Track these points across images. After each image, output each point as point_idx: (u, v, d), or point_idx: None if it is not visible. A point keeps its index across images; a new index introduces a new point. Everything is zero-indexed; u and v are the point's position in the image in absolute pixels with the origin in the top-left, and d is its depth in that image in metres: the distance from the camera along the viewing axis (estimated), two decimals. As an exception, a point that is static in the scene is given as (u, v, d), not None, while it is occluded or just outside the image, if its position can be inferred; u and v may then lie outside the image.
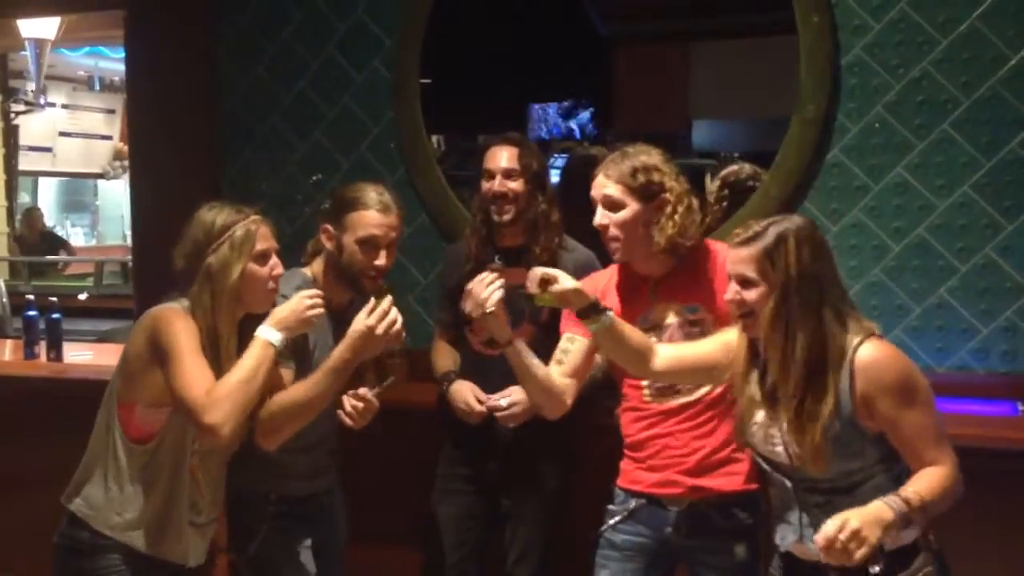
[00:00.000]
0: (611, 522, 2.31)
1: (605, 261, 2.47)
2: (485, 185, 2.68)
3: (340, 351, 2.16)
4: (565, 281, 2.02)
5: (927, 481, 1.81)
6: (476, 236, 2.75)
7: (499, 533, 2.78)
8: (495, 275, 2.12)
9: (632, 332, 2.10)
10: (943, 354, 2.88)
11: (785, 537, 1.96)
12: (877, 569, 1.76)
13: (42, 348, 3.58)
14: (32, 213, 8.69)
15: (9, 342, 4.10)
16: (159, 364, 2.06)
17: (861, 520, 1.70)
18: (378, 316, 2.14)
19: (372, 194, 2.38)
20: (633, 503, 2.28)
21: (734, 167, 3.28)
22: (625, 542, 2.28)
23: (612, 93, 5.19)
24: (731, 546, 2.21)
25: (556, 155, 5.39)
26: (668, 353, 2.12)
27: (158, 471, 2.15)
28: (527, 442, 2.63)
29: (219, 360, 2.10)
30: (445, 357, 2.83)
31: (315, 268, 2.47)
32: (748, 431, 1.98)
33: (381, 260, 2.37)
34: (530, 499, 2.72)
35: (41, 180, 10.42)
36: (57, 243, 8.83)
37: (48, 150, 9.47)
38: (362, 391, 2.34)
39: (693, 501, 2.22)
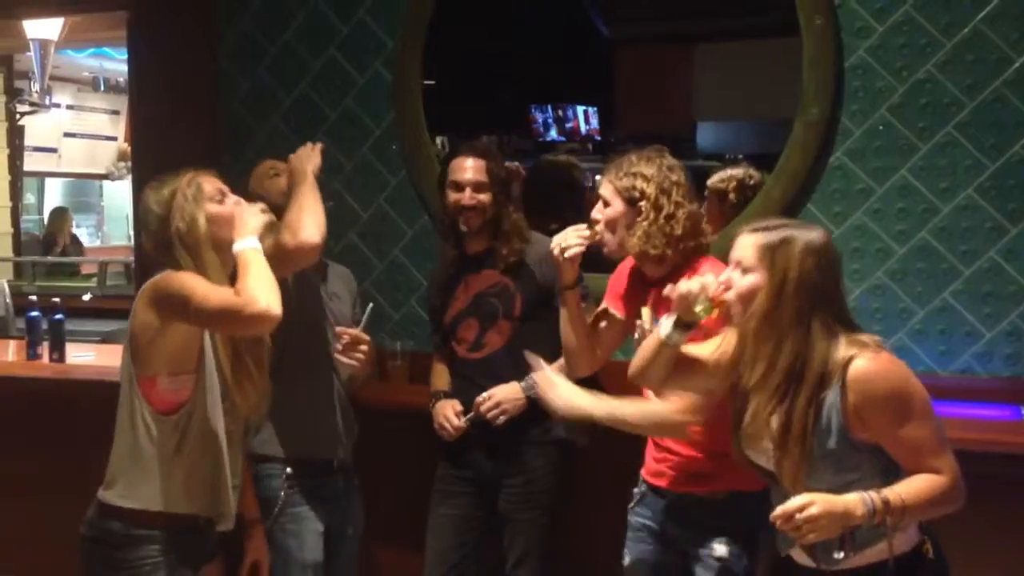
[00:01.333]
0: (630, 504, 2.42)
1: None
2: (453, 196, 2.70)
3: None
4: (692, 285, 1.98)
5: (915, 486, 1.80)
6: (448, 244, 2.80)
7: (498, 535, 2.78)
8: (586, 227, 2.30)
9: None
10: (946, 358, 2.87)
11: (782, 542, 1.96)
12: (841, 555, 1.78)
13: (45, 349, 3.58)
14: (64, 215, 8.65)
15: (12, 342, 4.09)
16: (178, 316, 2.06)
17: (825, 510, 1.72)
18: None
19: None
20: (644, 487, 2.38)
21: (744, 168, 3.26)
22: (637, 523, 2.39)
23: (615, 95, 5.19)
24: (711, 542, 2.23)
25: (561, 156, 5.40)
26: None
27: (196, 438, 2.16)
28: (518, 441, 2.67)
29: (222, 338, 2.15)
30: (439, 377, 2.89)
31: None
32: (740, 435, 1.97)
33: None
34: (527, 500, 2.72)
35: (47, 181, 10.43)
36: (79, 246, 8.83)
37: (53, 151, 9.48)
38: (350, 331, 2.59)
39: (680, 494, 2.28)
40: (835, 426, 1.82)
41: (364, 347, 2.61)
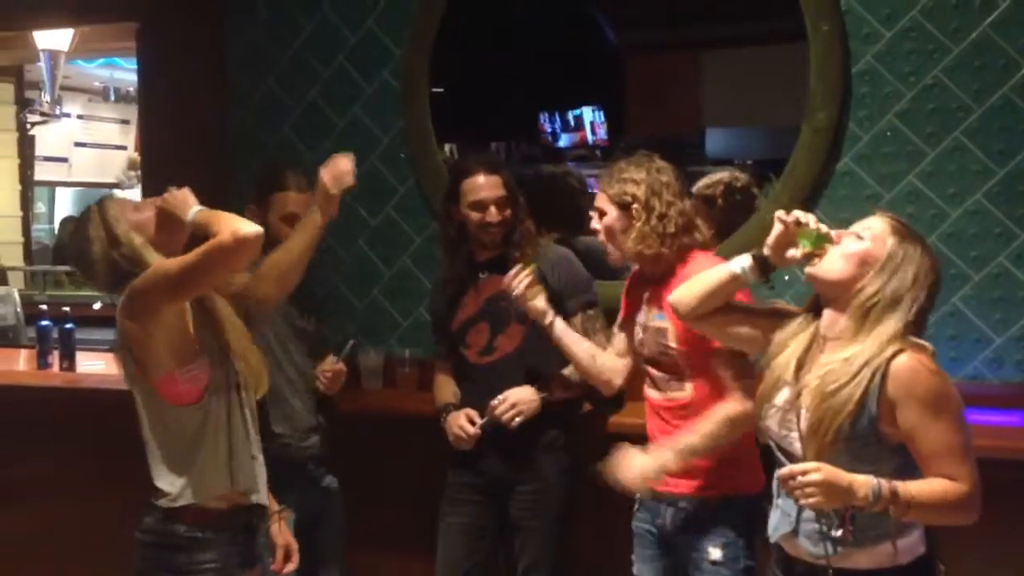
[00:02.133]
0: (633, 509, 2.46)
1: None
2: (476, 215, 2.69)
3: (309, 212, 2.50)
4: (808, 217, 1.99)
5: (929, 486, 1.80)
6: (454, 254, 2.79)
7: (508, 543, 2.78)
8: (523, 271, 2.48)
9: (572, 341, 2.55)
10: (956, 364, 2.86)
11: (779, 527, 1.95)
12: (839, 533, 1.80)
13: (55, 358, 3.60)
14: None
15: (23, 351, 4.12)
16: (166, 298, 2.06)
17: (828, 479, 1.73)
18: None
19: (291, 176, 2.77)
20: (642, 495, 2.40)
21: (732, 172, 3.28)
22: (639, 529, 2.43)
23: (624, 101, 5.19)
24: (706, 545, 2.27)
25: (569, 163, 5.41)
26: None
27: (216, 419, 2.17)
28: (531, 446, 2.66)
29: (207, 312, 2.17)
30: (444, 389, 2.88)
31: None
32: (766, 412, 1.96)
33: None
34: (538, 507, 2.72)
35: (57, 190, 10.48)
36: None
37: (64, 160, 9.52)
38: (329, 360, 2.82)
39: (675, 498, 2.32)
40: (867, 411, 1.82)
41: (339, 378, 2.85)
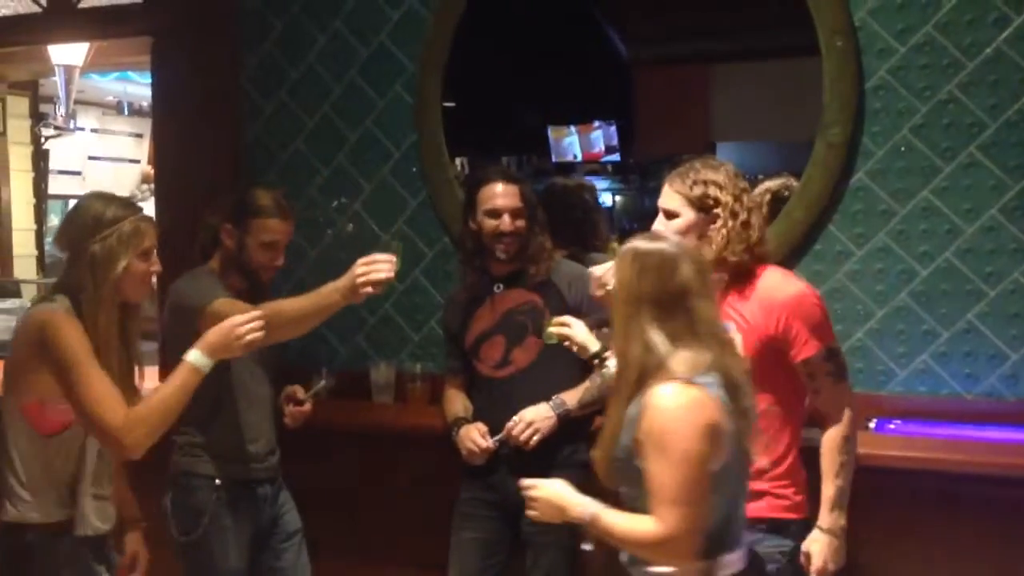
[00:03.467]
0: None
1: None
2: (490, 223, 2.70)
3: (332, 289, 2.42)
4: (577, 332, 2.36)
5: (623, 521, 1.87)
6: (470, 267, 2.79)
7: (520, 559, 2.76)
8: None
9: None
10: (972, 380, 2.84)
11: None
12: (587, 547, 1.99)
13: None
14: None
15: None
16: (53, 372, 2.10)
17: (547, 496, 1.97)
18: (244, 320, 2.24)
19: (272, 201, 2.71)
20: None
21: (783, 179, 3.16)
22: None
23: (634, 115, 5.20)
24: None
25: (581, 177, 5.40)
26: None
27: (66, 453, 2.19)
28: (545, 462, 2.64)
29: (102, 351, 2.15)
30: (455, 404, 2.88)
31: (213, 264, 2.75)
32: None
33: (280, 261, 2.73)
34: (550, 525, 2.70)
35: (71, 203, 10.54)
36: None
37: (78, 174, 9.57)
38: (297, 389, 2.82)
39: None
40: (625, 438, 1.87)
41: (303, 416, 2.83)
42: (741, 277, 2.24)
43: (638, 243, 1.96)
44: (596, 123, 5.65)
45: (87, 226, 2.17)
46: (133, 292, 2.23)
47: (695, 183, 2.23)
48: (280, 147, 3.65)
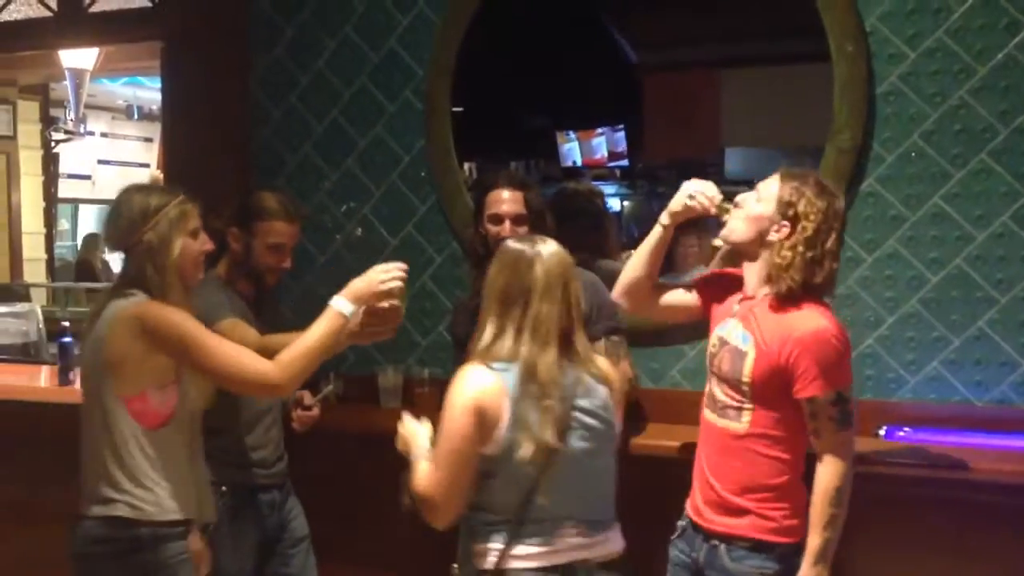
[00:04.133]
0: (672, 536, 2.38)
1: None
2: (493, 229, 2.70)
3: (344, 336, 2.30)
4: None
5: (419, 470, 2.08)
6: (479, 272, 2.78)
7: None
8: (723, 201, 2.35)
9: None
10: (983, 388, 2.82)
11: None
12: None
13: (77, 374, 3.61)
14: (98, 241, 8.76)
15: (45, 368, 4.13)
16: (173, 353, 2.16)
17: (407, 433, 2.18)
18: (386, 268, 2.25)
19: (277, 204, 2.73)
20: (686, 521, 2.34)
21: None
22: (675, 557, 2.35)
23: (643, 121, 5.18)
24: None
25: (589, 182, 5.39)
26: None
27: (179, 444, 2.25)
28: None
29: None
30: None
31: (220, 269, 2.77)
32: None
33: (287, 263, 2.75)
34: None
35: (80, 207, 10.58)
36: (110, 272, 8.93)
37: (87, 178, 9.62)
38: (305, 395, 2.81)
39: (708, 533, 2.24)
40: None
41: (311, 420, 2.84)
42: (783, 300, 2.16)
43: (511, 242, 2.15)
44: (599, 129, 5.64)
45: (135, 219, 2.22)
46: (190, 273, 2.29)
47: (796, 188, 2.15)
48: (290, 152, 3.66)
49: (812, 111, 3.21)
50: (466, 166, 3.74)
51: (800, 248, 2.12)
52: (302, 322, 3.53)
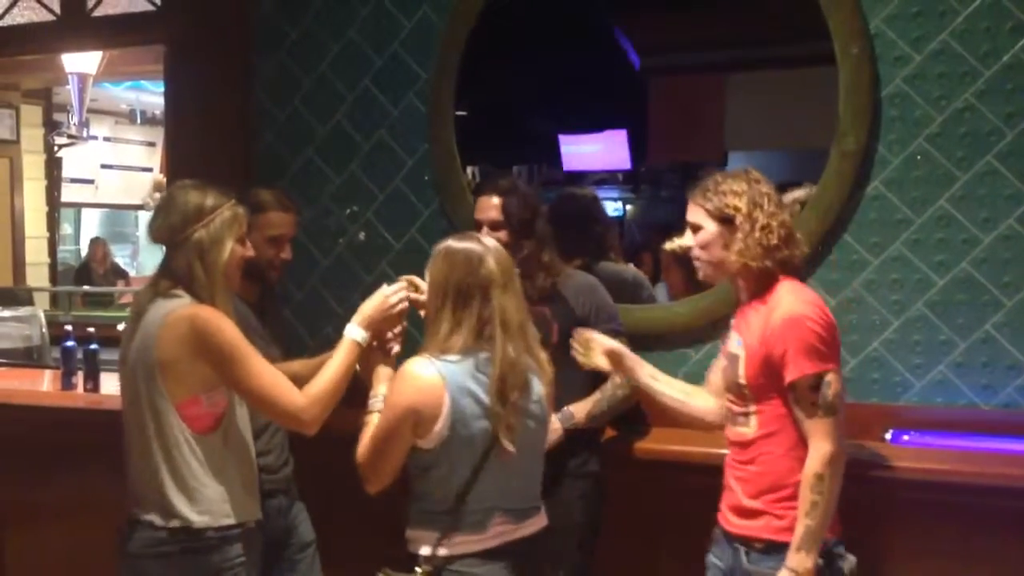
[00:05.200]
0: (709, 541, 2.37)
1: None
2: None
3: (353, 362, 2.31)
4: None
5: (370, 423, 2.15)
6: None
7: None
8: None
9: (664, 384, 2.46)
10: (990, 391, 2.81)
11: None
12: None
13: (80, 379, 3.60)
14: (101, 245, 8.78)
15: (47, 372, 4.13)
16: (215, 363, 2.15)
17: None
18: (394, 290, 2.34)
19: (273, 196, 2.74)
20: (717, 529, 2.34)
21: (808, 188, 3.15)
22: (711, 564, 2.34)
23: (647, 125, 5.18)
24: None
25: (593, 187, 5.39)
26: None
27: (230, 447, 2.24)
28: (554, 472, 2.62)
29: None
30: None
31: None
32: None
33: (286, 254, 2.74)
34: (562, 533, 2.68)
35: (83, 211, 10.59)
36: (121, 274, 8.95)
37: (90, 182, 9.63)
38: None
39: (731, 536, 2.25)
40: None
41: None
42: (761, 288, 2.21)
43: (450, 242, 2.16)
44: (602, 133, 5.64)
45: (190, 214, 2.20)
46: (233, 278, 2.28)
47: (713, 194, 2.23)
48: (293, 155, 3.65)
49: (817, 114, 3.20)
50: (469, 170, 3.74)
51: (748, 229, 2.18)
52: (305, 325, 3.55)
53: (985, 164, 2.79)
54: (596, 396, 2.68)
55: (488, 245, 2.15)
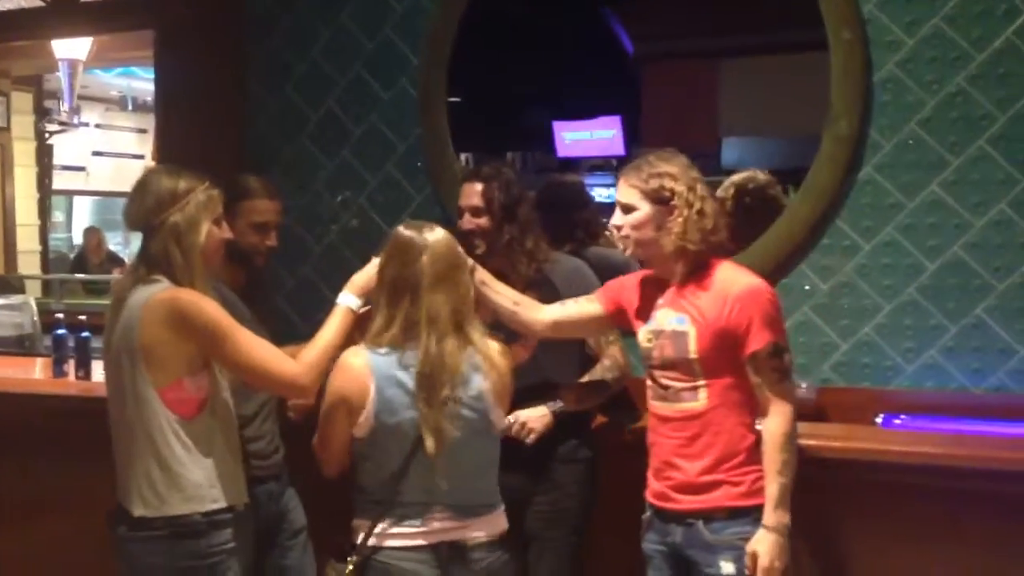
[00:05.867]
0: (641, 533, 2.38)
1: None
2: (459, 222, 2.71)
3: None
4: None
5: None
6: None
7: (524, 554, 2.75)
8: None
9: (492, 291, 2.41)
10: (980, 375, 2.82)
11: None
12: None
13: (71, 366, 3.59)
14: (96, 233, 8.74)
15: (39, 360, 4.11)
16: (203, 343, 2.15)
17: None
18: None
19: (257, 183, 2.71)
20: (650, 513, 2.35)
21: (747, 173, 3.20)
22: (650, 550, 2.35)
23: (641, 112, 5.18)
24: (718, 560, 2.21)
25: (587, 173, 5.40)
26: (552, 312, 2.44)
27: (215, 430, 2.23)
28: (545, 458, 2.63)
29: None
30: None
31: None
32: None
33: (272, 241, 2.70)
34: (556, 518, 2.69)
35: (75, 199, 10.55)
36: (118, 262, 8.92)
37: (81, 169, 9.59)
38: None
39: (682, 514, 2.26)
40: None
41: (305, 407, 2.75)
42: (698, 269, 2.26)
43: (400, 229, 2.17)
44: (596, 119, 5.64)
45: (163, 198, 2.19)
46: (212, 260, 2.27)
47: (650, 176, 2.25)
48: (285, 141, 3.64)
49: (810, 100, 3.20)
50: (463, 156, 3.73)
51: (686, 212, 2.21)
52: (298, 311, 3.54)
53: (977, 149, 2.80)
54: (584, 379, 2.68)
55: (429, 240, 2.14)
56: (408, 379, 2.08)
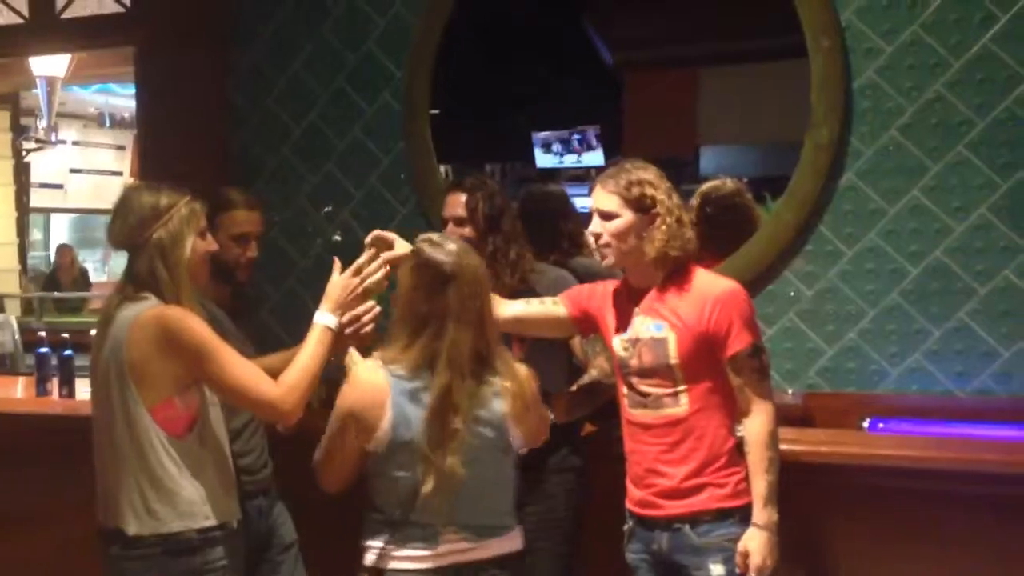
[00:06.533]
0: (624, 543, 2.37)
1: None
2: (445, 231, 2.72)
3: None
4: None
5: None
6: None
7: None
8: None
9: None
10: (964, 378, 2.85)
11: None
12: None
13: (54, 385, 3.56)
14: (68, 251, 8.67)
15: (21, 379, 4.08)
16: (189, 361, 2.13)
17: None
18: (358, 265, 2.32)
19: (237, 195, 2.70)
20: (631, 522, 2.34)
21: (715, 182, 3.22)
22: (633, 560, 2.35)
23: (620, 120, 5.21)
24: (707, 562, 2.21)
25: (565, 183, 5.41)
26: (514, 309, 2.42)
27: (206, 448, 2.22)
28: (535, 467, 2.63)
29: None
30: None
31: None
32: None
33: (252, 252, 2.68)
34: (546, 528, 2.69)
35: (53, 217, 10.46)
36: (87, 281, 8.85)
37: (59, 187, 9.52)
38: None
39: (669, 520, 2.25)
40: None
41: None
42: (676, 275, 2.27)
43: (424, 247, 2.12)
44: (575, 129, 5.67)
45: (146, 216, 2.17)
46: (198, 274, 2.25)
47: (631, 183, 2.24)
48: (268, 155, 3.63)
49: (790, 108, 3.23)
50: (442, 168, 3.74)
51: (668, 220, 2.23)
52: (283, 325, 3.53)
53: (956, 154, 2.83)
54: (572, 390, 2.68)
55: (456, 266, 2.08)
56: (425, 394, 2.04)
